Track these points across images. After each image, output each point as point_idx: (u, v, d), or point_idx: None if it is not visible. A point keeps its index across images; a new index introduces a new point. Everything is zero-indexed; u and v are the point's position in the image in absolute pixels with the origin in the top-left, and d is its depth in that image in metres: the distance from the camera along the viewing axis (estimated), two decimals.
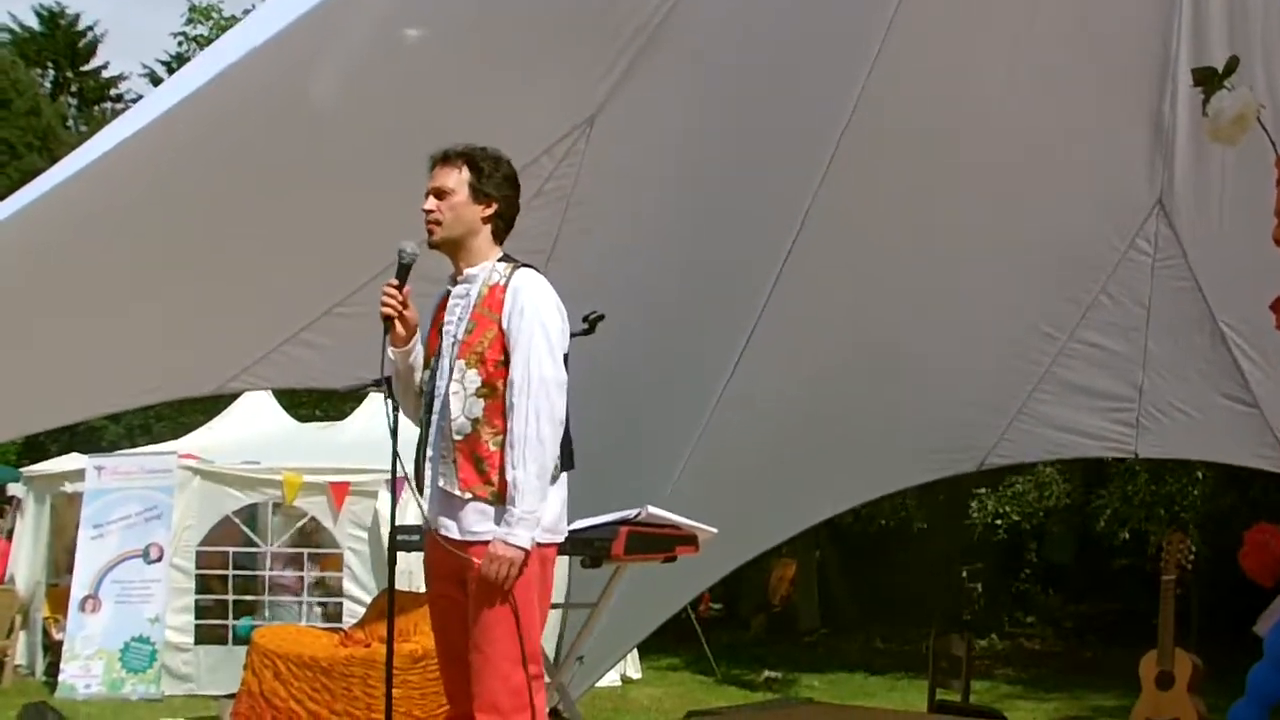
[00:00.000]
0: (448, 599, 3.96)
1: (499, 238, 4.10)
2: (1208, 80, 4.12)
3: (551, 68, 5.43)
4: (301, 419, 14.35)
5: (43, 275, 5.33)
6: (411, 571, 8.58)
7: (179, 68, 24.50)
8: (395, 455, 4.11)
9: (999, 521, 13.69)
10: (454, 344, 3.98)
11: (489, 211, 4.05)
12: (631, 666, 12.07)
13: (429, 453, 3.98)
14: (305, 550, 11.53)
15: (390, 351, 4.09)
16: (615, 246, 6.11)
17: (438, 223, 4.06)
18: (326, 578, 11.38)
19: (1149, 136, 6.22)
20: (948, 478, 9.04)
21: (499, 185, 4.06)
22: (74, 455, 12.91)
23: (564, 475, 3.96)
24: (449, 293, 4.11)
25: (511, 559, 3.72)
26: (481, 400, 3.87)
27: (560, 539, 3.98)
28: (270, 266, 5.82)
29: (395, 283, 4.07)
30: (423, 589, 6.09)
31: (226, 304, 5.90)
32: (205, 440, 12.38)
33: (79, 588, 11.19)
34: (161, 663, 10.94)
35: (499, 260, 4.06)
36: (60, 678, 10.90)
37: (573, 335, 4.15)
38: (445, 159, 4.11)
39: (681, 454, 7.19)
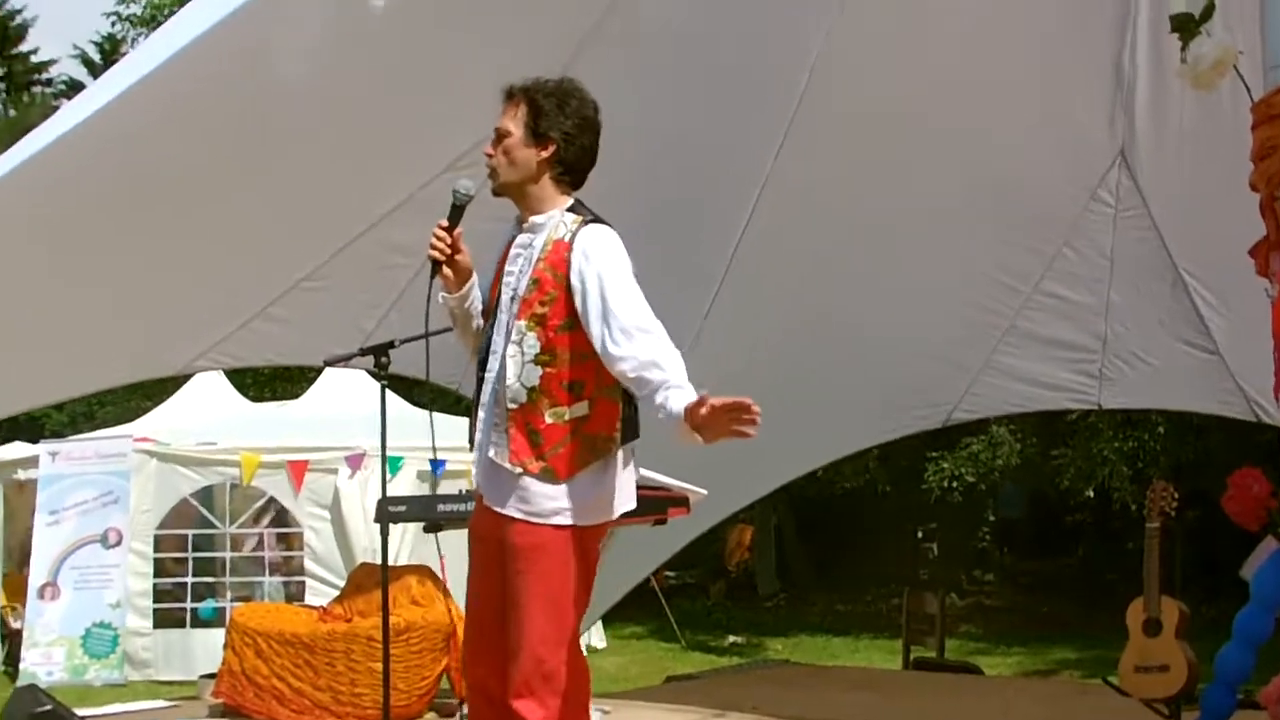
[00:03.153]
0: (485, 564, 3.71)
1: (563, 184, 3.69)
2: (1185, 26, 4.13)
3: (509, 39, 5.35)
4: (252, 399, 14.21)
5: (3, 259, 5.25)
6: (374, 549, 8.59)
7: (111, 48, 24.25)
8: (384, 430, 4.06)
9: (955, 483, 13.78)
10: (514, 300, 3.64)
11: (546, 154, 3.65)
12: (596, 636, 12.08)
13: (480, 414, 3.68)
14: (265, 530, 11.43)
15: (441, 296, 3.76)
16: None
17: (494, 169, 3.70)
18: (290, 556, 11.29)
19: (1110, 87, 6.24)
20: (908, 440, 9.12)
21: (558, 124, 3.64)
22: (18, 444, 12.72)
23: (620, 451, 3.63)
24: (514, 238, 3.75)
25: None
26: (539, 368, 3.56)
27: (605, 519, 3.66)
28: (234, 242, 5.77)
29: (445, 224, 3.71)
30: (395, 563, 6.06)
31: (191, 282, 5.85)
32: (160, 423, 12.21)
33: (36, 575, 11.02)
34: (123, 648, 10.83)
35: (568, 210, 3.67)
36: (22, 666, 10.73)
37: None
38: (509, 96, 3.70)
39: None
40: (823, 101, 6.17)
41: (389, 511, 4.54)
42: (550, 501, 3.59)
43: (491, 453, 3.64)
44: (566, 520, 3.59)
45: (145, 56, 4.99)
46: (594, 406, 3.55)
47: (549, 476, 3.57)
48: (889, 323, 7.22)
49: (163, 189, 5.30)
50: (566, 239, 3.60)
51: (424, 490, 9.36)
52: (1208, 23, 4.11)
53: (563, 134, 3.65)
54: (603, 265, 3.52)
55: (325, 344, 6.11)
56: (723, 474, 7.16)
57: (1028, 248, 7.02)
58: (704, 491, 4.97)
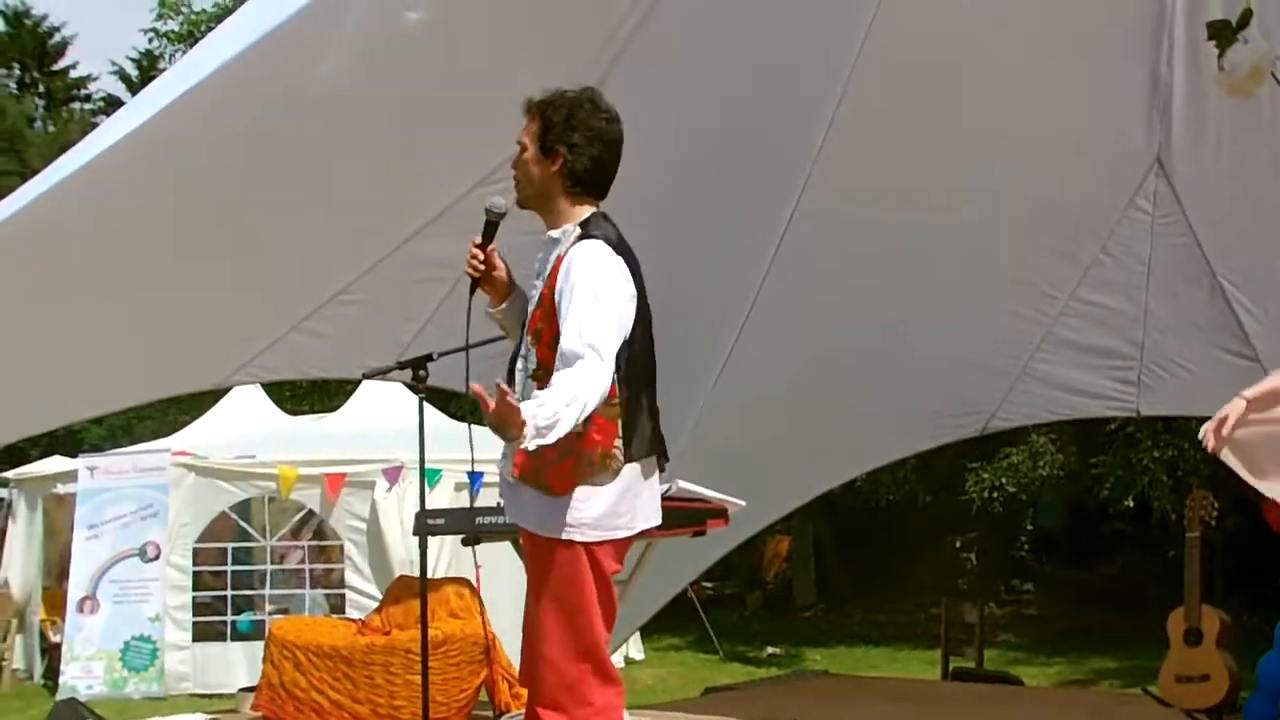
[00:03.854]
0: (528, 575, 3.75)
1: (577, 196, 3.69)
2: (1222, 33, 4.12)
3: (551, 42, 5.37)
4: (289, 413, 14.29)
5: (44, 273, 5.30)
6: (412, 561, 8.63)
7: (149, 64, 24.44)
8: (422, 442, 4.07)
9: (995, 493, 13.72)
10: (529, 315, 3.71)
11: (555, 168, 3.66)
12: (634, 648, 12.09)
13: None
14: (305, 543, 11.51)
15: (485, 310, 3.83)
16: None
17: (516, 184, 3.76)
18: (329, 569, 11.36)
19: (1147, 94, 6.22)
20: (946, 451, 9.08)
21: (565, 138, 3.65)
22: (57, 458, 12.83)
23: (632, 467, 3.64)
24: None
25: (514, 413, 3.22)
26: (535, 384, 3.57)
27: (613, 535, 3.64)
28: (271, 256, 5.79)
29: (479, 241, 3.78)
30: (433, 575, 6.07)
31: (228, 296, 5.87)
32: (198, 436, 12.31)
33: (76, 589, 11.13)
34: (162, 661, 10.90)
35: (582, 223, 3.67)
36: (61, 679, 10.84)
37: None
38: (527, 110, 3.74)
39: (682, 431, 7.18)
40: (862, 108, 6.16)
41: (427, 524, 4.55)
42: (552, 516, 3.61)
43: (502, 464, 3.70)
44: (570, 536, 3.60)
45: (183, 73, 5.03)
46: (588, 423, 3.51)
47: (547, 491, 3.60)
48: (927, 331, 7.20)
49: (199, 204, 5.33)
50: (564, 253, 3.61)
51: (462, 502, 9.40)
52: (1245, 30, 4.11)
53: (569, 147, 3.66)
54: (577, 283, 3.52)
55: (362, 357, 6.16)
56: (761, 485, 7.19)
57: (1065, 255, 6.99)
58: (742, 503, 4.97)
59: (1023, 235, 6.84)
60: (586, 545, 3.61)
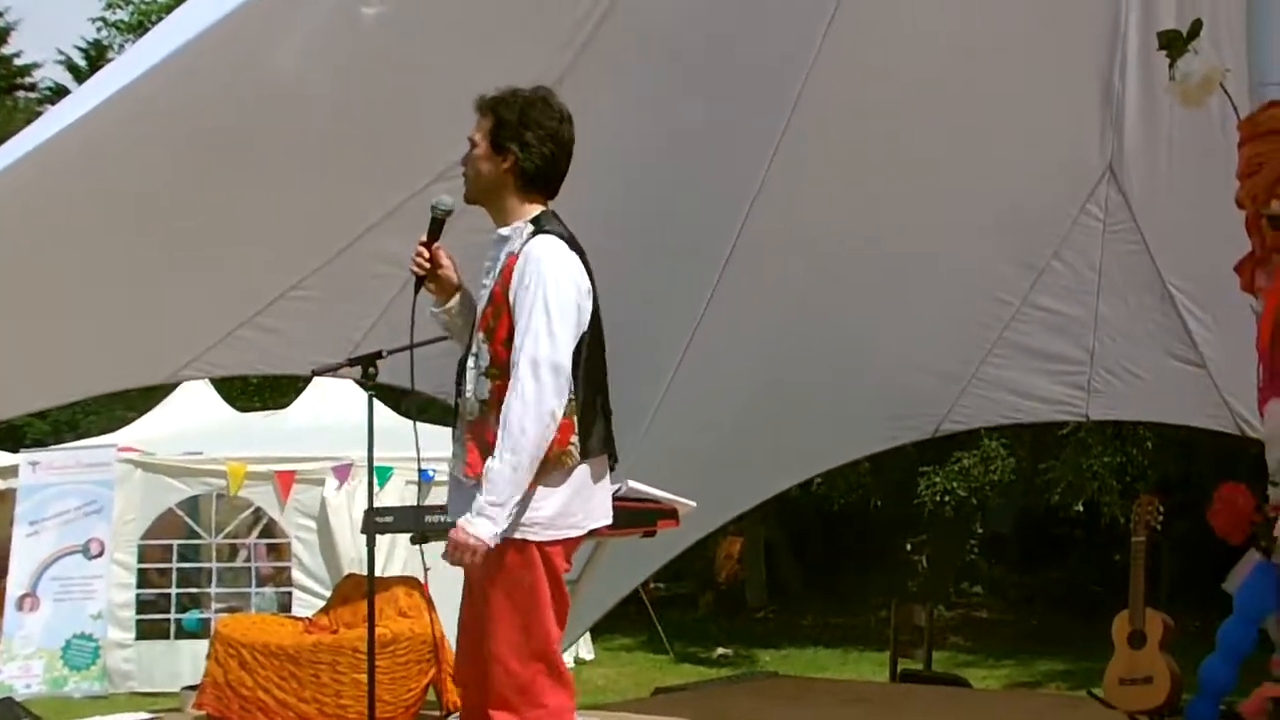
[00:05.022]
0: (469, 576, 3.72)
1: (527, 193, 3.72)
2: (1173, 43, 4.16)
3: (509, 41, 5.35)
4: (239, 409, 14.18)
5: None
6: (362, 560, 8.59)
7: (97, 54, 24.18)
8: (371, 440, 4.05)
9: (946, 497, 13.79)
10: (480, 314, 3.73)
11: (506, 166, 3.69)
12: (585, 648, 12.05)
13: (453, 429, 3.76)
14: (253, 540, 11.42)
15: (430, 311, 3.85)
16: (570, 224, 6.07)
17: (466, 180, 3.79)
18: (278, 568, 11.27)
19: (1099, 104, 6.28)
20: (899, 455, 9.12)
21: (517, 136, 3.68)
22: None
23: (583, 466, 3.67)
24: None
25: (468, 547, 3.45)
26: (489, 381, 3.61)
27: (567, 534, 3.67)
28: (223, 251, 5.74)
29: (424, 239, 3.80)
30: (380, 574, 6.04)
31: (178, 290, 5.82)
32: (145, 432, 12.19)
33: (15, 586, 10.94)
34: (104, 660, 10.78)
35: (532, 220, 3.70)
36: None
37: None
38: (479, 108, 3.77)
39: (637, 432, 7.17)
40: (816, 113, 6.18)
41: (376, 522, 4.52)
42: None
43: (451, 466, 3.72)
44: (524, 535, 3.60)
45: (130, 63, 4.99)
46: None
47: None
48: (879, 334, 7.24)
49: (148, 197, 5.28)
50: (517, 252, 3.64)
51: (413, 501, 9.36)
52: (1195, 40, 4.15)
53: (520, 145, 3.69)
54: (531, 285, 3.56)
55: (313, 354, 6.11)
56: (714, 486, 7.19)
57: (1017, 260, 7.04)
58: (693, 504, 4.97)
59: (976, 240, 6.87)
60: (539, 545, 3.61)
